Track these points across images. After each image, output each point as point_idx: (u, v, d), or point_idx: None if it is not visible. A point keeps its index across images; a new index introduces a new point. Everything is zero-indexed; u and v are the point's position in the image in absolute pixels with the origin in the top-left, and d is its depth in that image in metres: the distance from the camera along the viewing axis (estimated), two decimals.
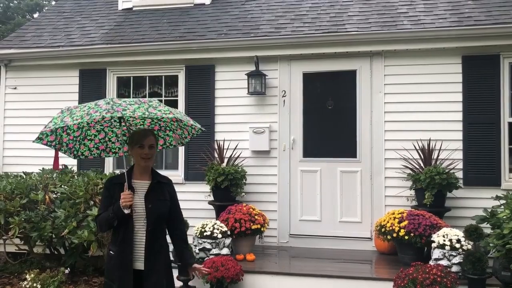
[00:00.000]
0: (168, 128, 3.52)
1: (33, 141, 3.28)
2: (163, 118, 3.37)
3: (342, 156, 6.27)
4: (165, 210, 3.15)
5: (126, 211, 2.98)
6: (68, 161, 6.08)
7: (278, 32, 6.42)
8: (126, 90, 7.10)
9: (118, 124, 3.37)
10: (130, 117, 3.38)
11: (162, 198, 3.16)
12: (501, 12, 5.99)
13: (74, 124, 3.03)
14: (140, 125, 3.49)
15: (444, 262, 4.66)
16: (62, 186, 5.61)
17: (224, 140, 6.38)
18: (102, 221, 3.08)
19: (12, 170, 6.76)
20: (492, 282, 4.58)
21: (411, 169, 5.79)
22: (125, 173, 3.08)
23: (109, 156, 3.58)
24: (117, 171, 6.46)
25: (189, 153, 6.58)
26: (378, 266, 5.43)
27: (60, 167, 6.03)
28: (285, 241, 6.32)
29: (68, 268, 5.39)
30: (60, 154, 3.63)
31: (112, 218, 3.00)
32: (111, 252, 3.13)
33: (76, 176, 5.86)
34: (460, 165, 5.79)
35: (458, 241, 4.69)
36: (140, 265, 3.06)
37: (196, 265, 3.32)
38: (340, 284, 4.81)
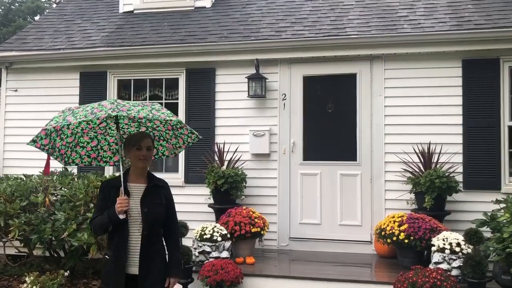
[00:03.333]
0: (162, 138, 3.49)
1: (27, 143, 3.25)
2: (164, 127, 3.38)
3: (342, 159, 6.28)
4: (161, 214, 3.11)
5: (121, 217, 2.94)
6: None
7: (278, 36, 6.43)
8: (127, 93, 7.12)
9: (112, 131, 3.35)
10: (126, 124, 3.39)
11: (158, 201, 3.11)
12: (501, 16, 6.01)
13: (76, 121, 3.00)
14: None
15: (444, 266, 4.66)
16: (62, 188, 5.62)
17: (224, 143, 6.39)
18: (96, 226, 3.06)
19: (13, 172, 6.77)
20: (492, 286, 4.56)
21: (411, 172, 5.79)
22: (121, 176, 3.05)
23: (100, 165, 3.55)
24: (117, 174, 6.45)
25: (189, 156, 6.58)
26: (378, 270, 5.43)
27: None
28: (285, 244, 6.32)
29: (68, 271, 5.38)
30: (51, 158, 3.58)
31: (107, 223, 2.97)
32: (106, 256, 3.11)
33: (76, 179, 5.87)
34: (460, 169, 5.79)
35: (458, 244, 4.69)
36: (135, 269, 3.02)
37: (172, 280, 3.13)
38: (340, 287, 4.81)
